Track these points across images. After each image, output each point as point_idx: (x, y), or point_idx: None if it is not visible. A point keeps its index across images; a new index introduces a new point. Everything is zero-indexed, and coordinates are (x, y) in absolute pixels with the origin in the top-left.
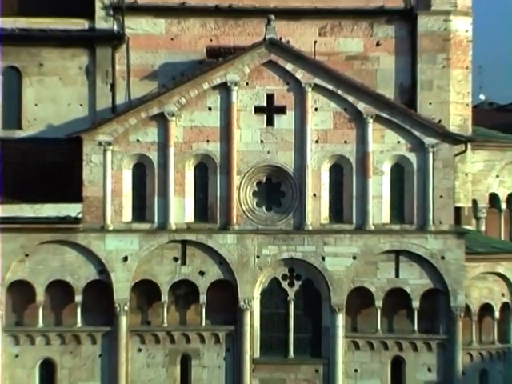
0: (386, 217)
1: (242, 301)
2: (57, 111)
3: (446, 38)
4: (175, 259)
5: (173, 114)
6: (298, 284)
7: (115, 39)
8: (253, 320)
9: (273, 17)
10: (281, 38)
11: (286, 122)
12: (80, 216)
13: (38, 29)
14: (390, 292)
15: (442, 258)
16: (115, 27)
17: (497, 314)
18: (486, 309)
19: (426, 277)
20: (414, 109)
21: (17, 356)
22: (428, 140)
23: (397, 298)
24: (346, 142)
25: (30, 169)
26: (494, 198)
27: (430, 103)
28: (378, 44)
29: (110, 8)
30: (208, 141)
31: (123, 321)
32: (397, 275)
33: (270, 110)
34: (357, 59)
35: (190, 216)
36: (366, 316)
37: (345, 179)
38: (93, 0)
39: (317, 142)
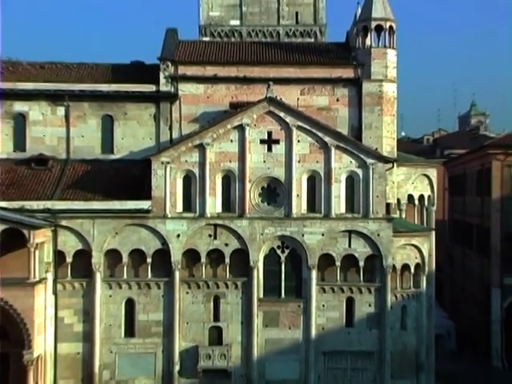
0: (342, 209)
1: (251, 262)
2: (135, 142)
3: (380, 97)
4: (209, 235)
5: (208, 144)
6: (286, 251)
7: (172, 97)
8: (258, 274)
9: (271, 83)
10: (276, 97)
11: (279, 149)
12: (150, 208)
13: (125, 90)
14: (345, 256)
15: (378, 235)
16: (172, 90)
17: (412, 270)
18: (406, 267)
19: (367, 247)
20: (360, 141)
21: (110, 296)
22: (369, 161)
23: (349, 260)
24: (317, 161)
25: (118, 178)
26: (410, 198)
27: (370, 137)
28: (337, 100)
29: (169, 77)
30: (230, 161)
31: (177, 274)
32: (349, 246)
33: (269, 142)
34: (324, 110)
35: (219, 208)
36: (330, 271)
37: (316, 185)
38: (158, 72)
39: (299, 161)
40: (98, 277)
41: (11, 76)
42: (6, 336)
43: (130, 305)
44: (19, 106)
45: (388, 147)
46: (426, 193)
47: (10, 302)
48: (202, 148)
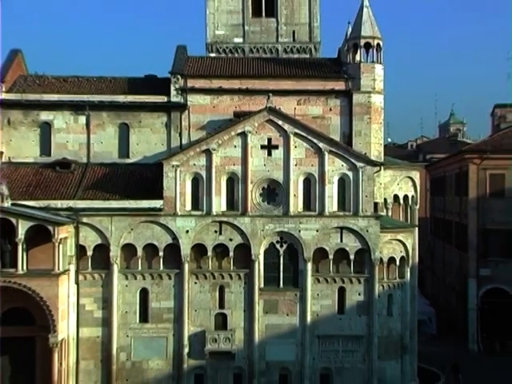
0: (334, 207)
1: (253, 255)
2: (148, 148)
3: (369, 107)
4: (215, 231)
5: (214, 149)
6: (285, 246)
7: (182, 107)
8: (259, 266)
9: (271, 94)
10: (275, 106)
11: (278, 154)
12: (161, 207)
13: (139, 101)
14: (337, 250)
15: (367, 231)
16: (182, 100)
17: (397, 262)
18: (391, 259)
19: (357, 242)
20: (351, 146)
21: (126, 286)
22: (359, 164)
23: (341, 254)
24: (312, 165)
25: (134, 180)
26: (396, 198)
27: (360, 143)
28: (330, 110)
29: (179, 89)
30: (234, 164)
31: (186, 266)
32: (341, 240)
33: (269, 147)
34: (318, 118)
35: (223, 207)
36: (323, 264)
37: (311, 186)
38: (169, 85)
39: (296, 165)
40: (116, 268)
41: (38, 88)
42: (32, 322)
43: (144, 294)
44: (45, 116)
45: (376, 152)
46: (410, 193)
47: (37, 290)
48: (208, 153)
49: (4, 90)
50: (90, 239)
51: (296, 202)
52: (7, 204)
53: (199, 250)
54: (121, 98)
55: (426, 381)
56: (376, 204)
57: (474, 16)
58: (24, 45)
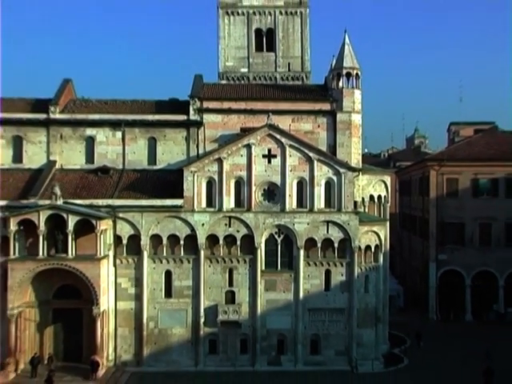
0: (322, 205)
1: (256, 244)
2: (172, 157)
3: (349, 124)
4: (225, 224)
5: (224, 158)
6: (282, 236)
7: (198, 124)
8: (261, 252)
9: (270, 113)
10: (274, 123)
11: (276, 162)
12: (182, 204)
13: (164, 119)
14: (324, 239)
15: (348, 224)
16: (198, 119)
17: (373, 249)
18: (368, 247)
19: (340, 233)
20: (335, 156)
21: (154, 268)
22: (341, 170)
23: (327, 242)
24: (304, 171)
25: (159, 183)
26: (371, 197)
27: (342, 153)
28: (318, 126)
29: (197, 110)
30: (240, 170)
31: (202, 252)
32: (327, 232)
33: (269, 156)
34: (309, 133)
35: (232, 204)
36: (313, 251)
37: (303, 188)
38: (188, 106)
39: (290, 171)
40: (145, 254)
41: (84, 110)
42: (80, 296)
43: (168, 274)
44: (89, 131)
45: (355, 160)
46: (383, 193)
47: (83, 271)
48: (220, 161)
49: (58, 111)
50: (125, 230)
51: (291, 201)
52: (60, 202)
53: (212, 239)
54: (150, 117)
55: (395, 344)
56: (355, 202)
57: (432, 54)
58: (71, 72)
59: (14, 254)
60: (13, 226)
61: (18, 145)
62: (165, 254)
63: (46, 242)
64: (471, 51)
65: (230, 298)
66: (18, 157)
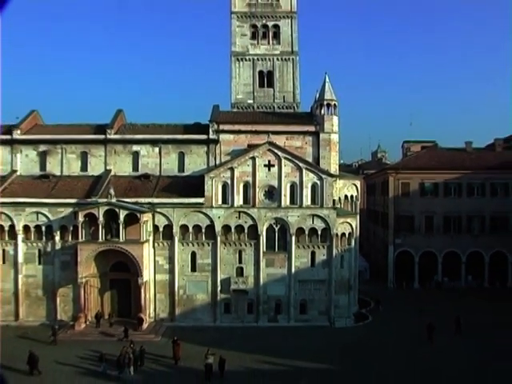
0: (309, 202)
1: (259, 231)
2: (195, 166)
3: (329, 141)
4: (236, 217)
5: (235, 167)
6: (278, 226)
7: (216, 142)
8: (263, 238)
9: (270, 133)
10: (273, 141)
11: (274, 170)
12: (203, 202)
13: (190, 138)
14: (310, 228)
15: (328, 216)
16: (216, 137)
17: (347, 236)
18: (343, 234)
19: (323, 223)
20: (319, 165)
21: (183, 249)
22: (323, 176)
23: (312, 230)
24: (295, 177)
25: (187, 186)
26: (346, 196)
27: (324, 163)
28: (306, 143)
29: (215, 131)
30: (247, 176)
31: (219, 238)
32: (313, 222)
33: (269, 166)
34: (299, 148)
35: (241, 202)
36: (301, 237)
37: (295, 189)
38: (208, 128)
39: (285, 177)
40: (176, 239)
41: (131, 131)
42: (128, 270)
43: (193, 254)
44: (135, 147)
45: (333, 169)
46: (354, 194)
47: (131, 251)
48: (232, 169)
49: (113, 133)
50: (161, 221)
51: (285, 199)
52: (113, 200)
53: (226, 228)
54: (179, 137)
55: (363, 306)
56: (334, 200)
57: (390, 90)
58: (123, 103)
59: (82, 238)
60: (81, 218)
61: (84, 158)
62: (191, 239)
63: (104, 230)
64: (418, 88)
65: (240, 272)
66: (84, 167)
